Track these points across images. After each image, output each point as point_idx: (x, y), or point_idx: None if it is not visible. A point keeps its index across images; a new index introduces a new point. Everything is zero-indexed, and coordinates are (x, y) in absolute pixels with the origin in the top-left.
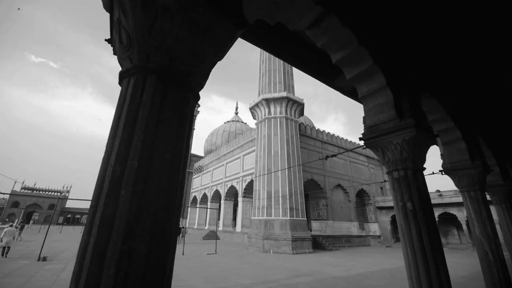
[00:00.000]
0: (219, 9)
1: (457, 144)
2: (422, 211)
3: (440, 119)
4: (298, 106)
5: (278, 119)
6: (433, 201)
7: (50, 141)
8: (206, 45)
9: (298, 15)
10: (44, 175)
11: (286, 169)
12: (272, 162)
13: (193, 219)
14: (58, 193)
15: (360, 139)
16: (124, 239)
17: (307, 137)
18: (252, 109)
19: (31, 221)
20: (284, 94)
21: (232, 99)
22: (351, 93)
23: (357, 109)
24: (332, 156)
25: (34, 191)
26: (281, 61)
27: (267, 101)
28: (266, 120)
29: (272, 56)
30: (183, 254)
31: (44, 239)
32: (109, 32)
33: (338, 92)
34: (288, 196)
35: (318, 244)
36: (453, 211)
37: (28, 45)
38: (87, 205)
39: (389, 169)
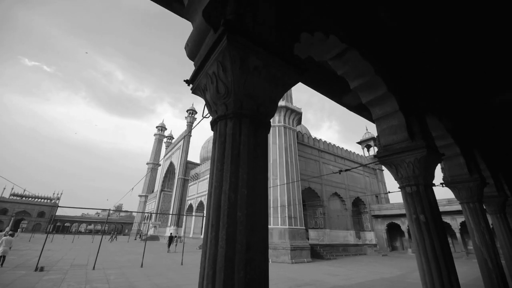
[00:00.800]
0: (289, 64)
1: (456, 159)
2: (434, 223)
3: (441, 136)
4: (296, 115)
5: (277, 128)
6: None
7: (40, 144)
8: (279, 91)
9: (326, 51)
10: (32, 179)
11: (285, 178)
12: (270, 170)
13: (189, 228)
14: (48, 200)
15: (375, 156)
16: (246, 250)
17: (304, 145)
18: None
19: (19, 229)
20: (282, 103)
21: None
22: (357, 109)
23: (349, 118)
24: (346, 170)
25: (23, 198)
26: None
27: None
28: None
29: None
30: (182, 264)
31: (42, 249)
32: (191, 77)
33: (332, 101)
34: (286, 205)
35: (316, 253)
36: (447, 219)
37: (22, 49)
38: (78, 212)
39: (402, 184)
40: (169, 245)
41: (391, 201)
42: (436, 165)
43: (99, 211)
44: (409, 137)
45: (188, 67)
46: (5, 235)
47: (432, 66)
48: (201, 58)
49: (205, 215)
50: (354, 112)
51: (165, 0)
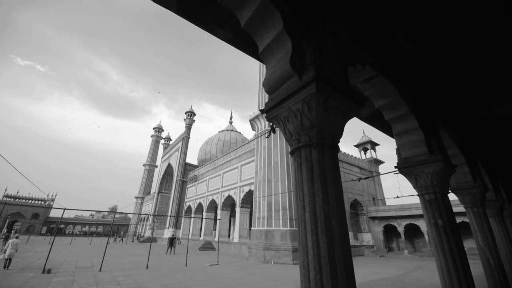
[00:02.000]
0: (354, 101)
1: (461, 168)
2: (450, 226)
3: (448, 146)
4: None
5: (278, 131)
6: (422, 212)
7: (34, 144)
8: (345, 121)
9: (358, 76)
10: (24, 180)
11: (286, 180)
12: (272, 173)
13: (186, 229)
14: (42, 202)
15: (395, 167)
16: (341, 249)
17: None
18: (252, 121)
19: (13, 231)
20: None
21: (223, 107)
22: (368, 119)
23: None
24: (366, 178)
25: (17, 199)
26: None
27: None
28: (266, 132)
29: None
30: (186, 265)
31: (50, 251)
32: (267, 108)
33: None
34: (288, 207)
35: None
36: None
37: (14, 48)
38: (71, 214)
39: (420, 192)
40: (169, 247)
41: (387, 203)
42: (450, 176)
43: (93, 212)
44: (428, 151)
45: (185, 68)
46: (16, 237)
47: (444, 85)
48: (282, 96)
49: (204, 216)
50: (365, 122)
51: (244, 45)
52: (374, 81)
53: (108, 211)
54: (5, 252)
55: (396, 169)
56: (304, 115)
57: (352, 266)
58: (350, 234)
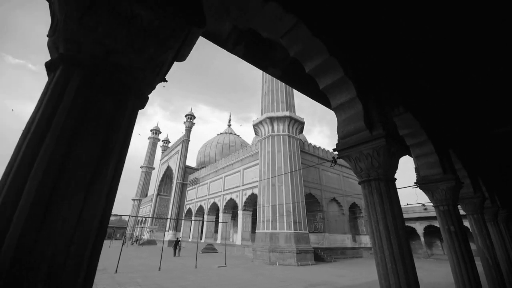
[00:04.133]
0: (404, 146)
1: (464, 180)
2: (460, 232)
3: (454, 162)
4: (299, 124)
5: (281, 137)
6: (418, 215)
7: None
8: (398, 162)
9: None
10: None
11: (290, 184)
12: (276, 177)
13: (186, 232)
14: None
15: (415, 183)
16: (407, 249)
17: (305, 153)
18: (255, 126)
19: None
20: (287, 113)
21: (219, 108)
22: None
23: None
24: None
25: None
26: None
27: (271, 119)
28: (270, 137)
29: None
30: (195, 267)
31: None
32: (340, 147)
33: (323, 106)
34: (291, 210)
35: (318, 256)
36: (437, 224)
37: (5, 46)
38: None
39: (436, 204)
40: (175, 250)
41: None
42: (460, 190)
43: None
44: (442, 171)
45: (180, 69)
46: None
47: (449, 112)
48: (354, 142)
49: (205, 219)
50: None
51: (290, 82)
52: (402, 117)
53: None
54: None
55: (415, 185)
56: (374, 158)
57: (413, 259)
58: (349, 236)
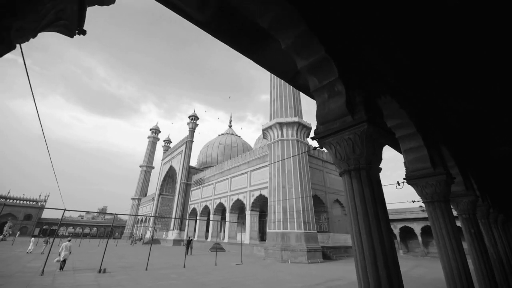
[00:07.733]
0: (389, 133)
1: (457, 177)
2: (452, 228)
3: (451, 167)
4: (306, 129)
5: (290, 141)
6: (416, 216)
7: (13, 142)
8: (381, 151)
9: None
10: (14, 181)
11: (299, 186)
12: (286, 180)
13: (191, 232)
14: (34, 202)
15: (404, 178)
16: (389, 238)
17: (311, 156)
18: (265, 130)
19: (6, 233)
20: (296, 119)
21: (214, 107)
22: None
23: None
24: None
25: (8, 200)
26: (291, 87)
27: (281, 124)
28: (280, 141)
29: (282, 82)
30: (215, 264)
31: (104, 252)
32: (320, 136)
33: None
34: (302, 211)
35: (325, 254)
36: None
37: None
38: (66, 214)
39: (425, 200)
40: (187, 249)
41: None
42: (451, 185)
43: (82, 213)
44: (432, 166)
45: (174, 67)
46: (69, 240)
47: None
48: (336, 128)
49: (211, 218)
50: (310, 96)
51: (302, 86)
52: (388, 105)
53: (108, 213)
54: (59, 255)
55: (403, 181)
56: (356, 144)
57: (397, 259)
58: (347, 236)
